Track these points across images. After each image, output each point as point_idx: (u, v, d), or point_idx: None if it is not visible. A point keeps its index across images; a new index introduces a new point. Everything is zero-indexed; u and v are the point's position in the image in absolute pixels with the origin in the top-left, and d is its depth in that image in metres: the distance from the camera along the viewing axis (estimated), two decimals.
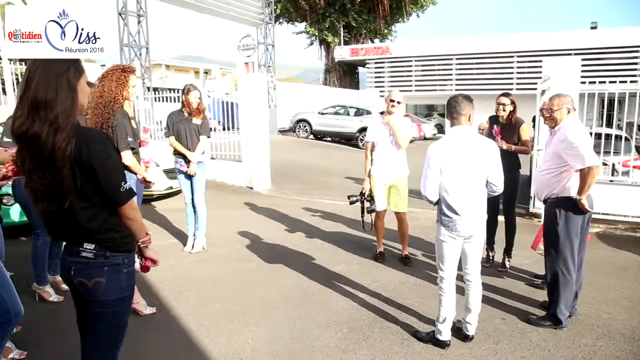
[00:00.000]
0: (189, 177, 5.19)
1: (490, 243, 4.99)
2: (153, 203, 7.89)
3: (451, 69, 25.69)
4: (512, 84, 23.15)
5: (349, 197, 5.08)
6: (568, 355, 3.16)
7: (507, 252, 4.85)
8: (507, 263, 4.83)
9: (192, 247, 5.40)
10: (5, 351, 3.07)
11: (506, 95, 4.77)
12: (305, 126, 19.22)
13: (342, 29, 29.78)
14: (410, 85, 26.80)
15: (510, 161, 4.62)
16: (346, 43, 30.56)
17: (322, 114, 19.07)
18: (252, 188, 9.68)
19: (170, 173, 8.11)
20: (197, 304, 4.01)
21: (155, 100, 12.27)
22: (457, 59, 25.27)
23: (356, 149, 16.58)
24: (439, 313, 3.23)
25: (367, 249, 5.51)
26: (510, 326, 3.57)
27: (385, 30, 32.13)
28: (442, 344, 3.21)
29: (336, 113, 19.01)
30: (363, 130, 16.68)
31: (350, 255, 5.37)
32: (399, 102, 4.98)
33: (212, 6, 14.86)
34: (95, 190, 1.90)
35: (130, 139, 3.58)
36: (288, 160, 12.99)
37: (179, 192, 8.68)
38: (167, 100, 11.66)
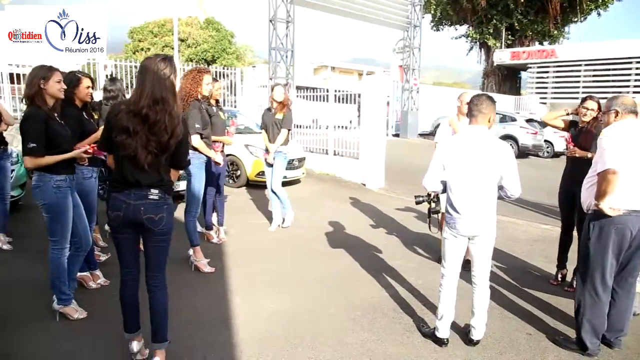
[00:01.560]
0: (270, 165, 5.83)
1: (561, 260, 4.61)
2: (265, 190, 8.79)
3: (630, 74, 22.45)
4: None
5: (415, 197, 5.14)
6: None
7: (577, 271, 4.43)
8: (575, 283, 4.41)
9: (279, 225, 6.07)
10: (94, 277, 4.04)
11: (592, 97, 4.36)
12: None
13: (504, 31, 28.12)
14: (577, 92, 24.14)
15: (586, 171, 4.23)
16: (509, 46, 28.79)
17: None
18: (365, 185, 10.06)
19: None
20: (249, 273, 4.59)
21: (306, 98, 13.24)
22: (637, 62, 21.99)
23: None
24: (437, 310, 3.26)
25: (437, 251, 5.50)
26: (530, 342, 3.38)
27: (555, 32, 29.31)
28: (439, 341, 3.24)
29: None
30: (506, 137, 15.71)
31: (414, 254, 5.44)
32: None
33: (357, 11, 15.55)
34: (174, 155, 2.71)
35: (198, 126, 4.29)
36: (413, 163, 12.97)
37: (294, 181, 9.53)
38: (316, 99, 12.46)
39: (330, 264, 4.93)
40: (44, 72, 3.25)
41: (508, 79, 30.47)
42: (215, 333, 3.34)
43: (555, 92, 25.65)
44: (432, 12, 29.30)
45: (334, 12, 15.24)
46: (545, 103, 26.06)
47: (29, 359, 2.99)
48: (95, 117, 4.47)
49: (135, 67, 13.15)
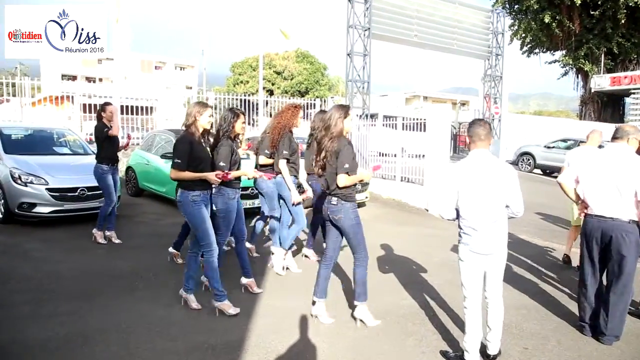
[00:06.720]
0: None
1: None
2: None
3: None
4: None
5: None
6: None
7: None
8: None
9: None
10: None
11: None
12: (528, 159, 18.29)
13: (603, 55, 26.58)
14: None
15: None
16: (610, 71, 27.12)
17: (549, 147, 17.84)
18: (427, 210, 10.38)
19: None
20: (294, 279, 5.32)
21: (388, 126, 14.13)
22: None
23: None
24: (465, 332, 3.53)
25: None
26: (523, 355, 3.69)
27: None
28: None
29: (567, 148, 17.49)
30: None
31: (446, 271, 5.78)
32: None
33: (433, 42, 16.02)
34: None
35: (285, 152, 5.24)
36: None
37: (358, 205, 10.10)
38: (391, 127, 13.33)
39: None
40: (199, 108, 4.19)
41: (609, 106, 28.52)
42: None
43: None
44: (522, 38, 28.52)
45: (409, 44, 15.84)
46: None
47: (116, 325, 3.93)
48: None
49: (235, 99, 14.97)
